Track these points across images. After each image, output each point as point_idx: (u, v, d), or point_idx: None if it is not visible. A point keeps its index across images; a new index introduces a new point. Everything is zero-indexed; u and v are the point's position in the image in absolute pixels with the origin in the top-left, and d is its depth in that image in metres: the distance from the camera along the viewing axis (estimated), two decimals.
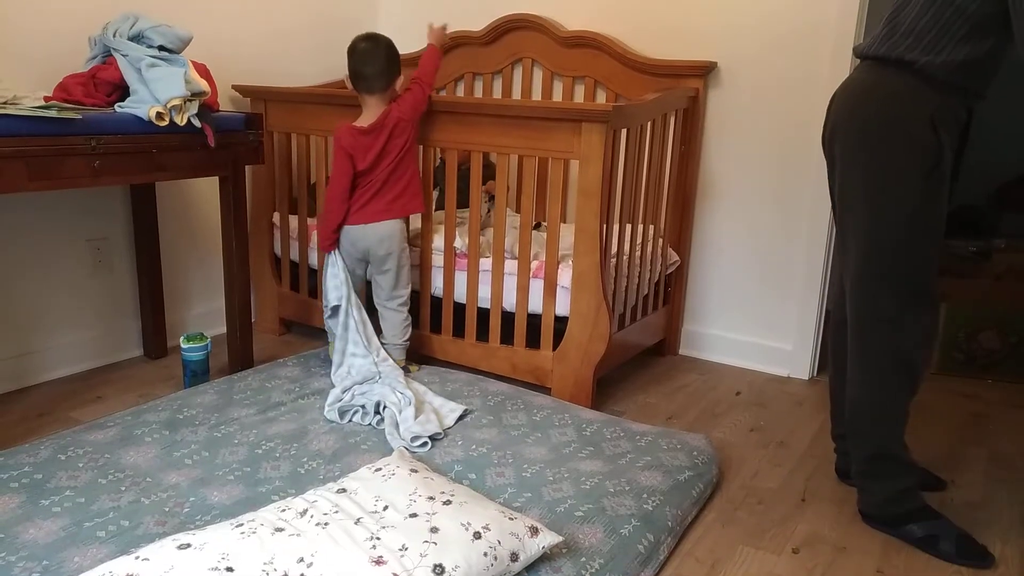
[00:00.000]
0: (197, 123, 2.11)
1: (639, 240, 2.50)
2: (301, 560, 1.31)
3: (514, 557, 1.39)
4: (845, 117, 1.66)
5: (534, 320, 2.37)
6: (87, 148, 1.91)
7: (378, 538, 1.36)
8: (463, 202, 2.53)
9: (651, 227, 2.57)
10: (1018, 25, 1.40)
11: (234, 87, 2.74)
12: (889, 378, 1.69)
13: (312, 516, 1.43)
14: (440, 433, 1.98)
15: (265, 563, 1.30)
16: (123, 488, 1.69)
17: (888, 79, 1.59)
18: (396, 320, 2.40)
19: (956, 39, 1.49)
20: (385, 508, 1.46)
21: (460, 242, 2.48)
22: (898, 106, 1.57)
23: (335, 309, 2.36)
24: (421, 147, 2.45)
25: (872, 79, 1.63)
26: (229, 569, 1.28)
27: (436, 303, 2.55)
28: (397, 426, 1.99)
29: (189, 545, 1.33)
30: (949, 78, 1.52)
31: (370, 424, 2.04)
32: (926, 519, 1.70)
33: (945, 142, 1.55)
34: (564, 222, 2.53)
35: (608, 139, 2.13)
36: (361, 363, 2.28)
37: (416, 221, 2.60)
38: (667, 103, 2.51)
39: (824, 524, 1.80)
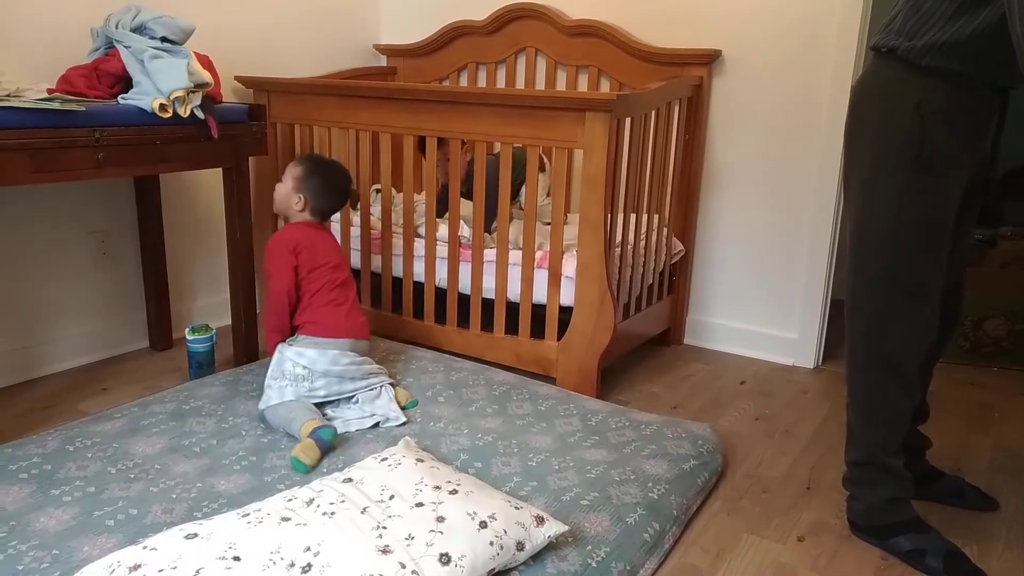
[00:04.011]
0: (200, 115, 2.11)
1: (643, 229, 2.49)
2: (308, 549, 1.31)
3: (520, 546, 1.39)
4: (848, 111, 1.63)
5: (539, 310, 2.37)
6: (90, 140, 1.91)
7: (384, 527, 1.37)
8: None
9: (655, 216, 2.56)
10: (1013, 23, 1.30)
11: (237, 78, 2.73)
12: (878, 380, 1.61)
13: (319, 505, 1.43)
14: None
15: (272, 552, 1.30)
16: (131, 477, 1.70)
17: (879, 69, 1.55)
18: None
19: (937, 20, 1.43)
20: (391, 497, 1.46)
21: (466, 230, 2.48)
22: (885, 95, 1.52)
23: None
24: (425, 138, 2.45)
25: (867, 70, 1.59)
26: (236, 558, 1.29)
27: (440, 294, 2.56)
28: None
29: (196, 535, 1.34)
30: (933, 63, 1.45)
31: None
32: (915, 532, 1.62)
33: (933, 129, 1.46)
34: (568, 212, 2.53)
35: (612, 128, 2.12)
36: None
37: (420, 211, 2.60)
38: (671, 92, 2.50)
39: (829, 512, 1.80)
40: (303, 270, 2.09)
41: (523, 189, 2.44)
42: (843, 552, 1.66)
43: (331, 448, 1.85)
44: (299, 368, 2.00)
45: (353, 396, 2.05)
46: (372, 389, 2.06)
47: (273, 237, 2.17)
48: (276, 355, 2.06)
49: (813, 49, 2.52)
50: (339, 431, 1.94)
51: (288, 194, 2.16)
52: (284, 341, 2.09)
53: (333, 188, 2.19)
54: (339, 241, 2.70)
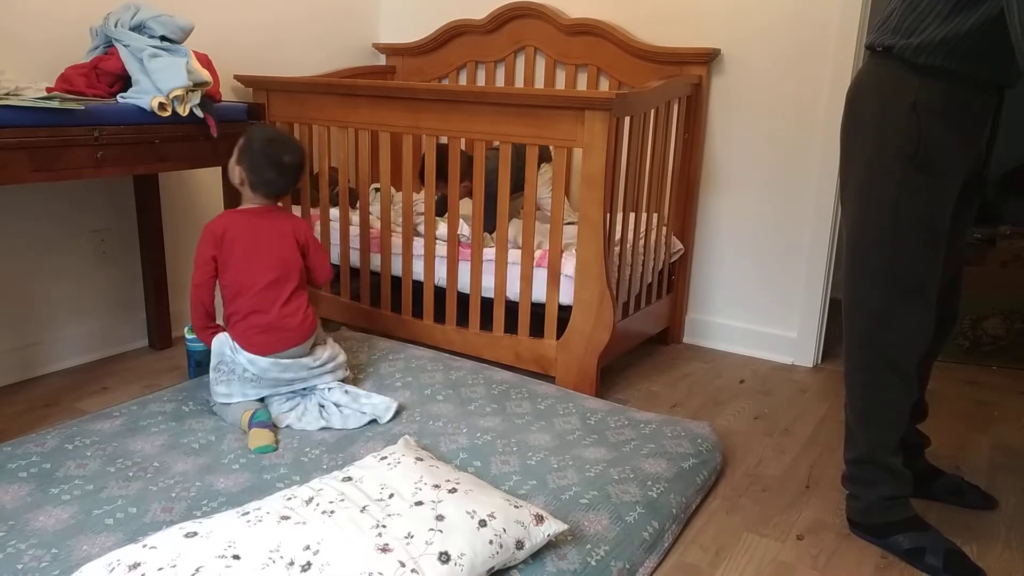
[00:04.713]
0: (199, 113, 2.11)
1: (643, 228, 2.49)
2: (307, 548, 1.31)
3: (519, 545, 1.39)
4: (844, 110, 1.63)
5: (538, 309, 2.37)
6: (90, 139, 1.91)
7: (384, 526, 1.37)
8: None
9: (655, 215, 2.56)
10: (1012, 19, 1.30)
11: (236, 77, 2.73)
12: (876, 378, 1.61)
13: (318, 504, 1.43)
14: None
15: (271, 551, 1.30)
16: (130, 475, 1.70)
17: (875, 68, 1.55)
18: None
19: (934, 18, 1.43)
20: (391, 496, 1.46)
21: (466, 229, 2.48)
22: (881, 94, 1.52)
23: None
24: (423, 136, 2.45)
25: (863, 70, 1.59)
26: (235, 557, 1.29)
27: (440, 293, 2.56)
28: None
29: (196, 533, 1.34)
30: (930, 61, 1.45)
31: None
32: (914, 530, 1.63)
33: (930, 127, 1.46)
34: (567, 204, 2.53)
35: (611, 127, 2.12)
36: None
37: (419, 209, 2.59)
38: (670, 90, 2.50)
39: (828, 511, 1.80)
40: (219, 266, 2.01)
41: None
42: (842, 551, 1.66)
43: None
44: (249, 374, 2.00)
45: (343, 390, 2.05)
46: (347, 392, 2.04)
47: (212, 220, 2.07)
48: (215, 347, 2.01)
49: (812, 48, 2.52)
50: (338, 426, 1.95)
51: (232, 167, 2.07)
52: (220, 332, 2.04)
53: (272, 163, 2.03)
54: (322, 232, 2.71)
